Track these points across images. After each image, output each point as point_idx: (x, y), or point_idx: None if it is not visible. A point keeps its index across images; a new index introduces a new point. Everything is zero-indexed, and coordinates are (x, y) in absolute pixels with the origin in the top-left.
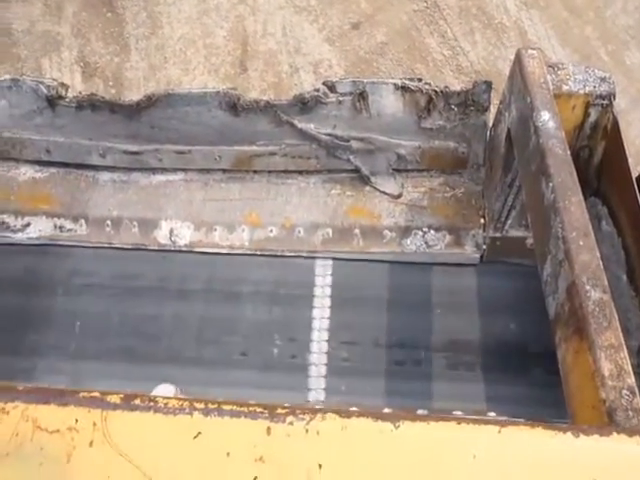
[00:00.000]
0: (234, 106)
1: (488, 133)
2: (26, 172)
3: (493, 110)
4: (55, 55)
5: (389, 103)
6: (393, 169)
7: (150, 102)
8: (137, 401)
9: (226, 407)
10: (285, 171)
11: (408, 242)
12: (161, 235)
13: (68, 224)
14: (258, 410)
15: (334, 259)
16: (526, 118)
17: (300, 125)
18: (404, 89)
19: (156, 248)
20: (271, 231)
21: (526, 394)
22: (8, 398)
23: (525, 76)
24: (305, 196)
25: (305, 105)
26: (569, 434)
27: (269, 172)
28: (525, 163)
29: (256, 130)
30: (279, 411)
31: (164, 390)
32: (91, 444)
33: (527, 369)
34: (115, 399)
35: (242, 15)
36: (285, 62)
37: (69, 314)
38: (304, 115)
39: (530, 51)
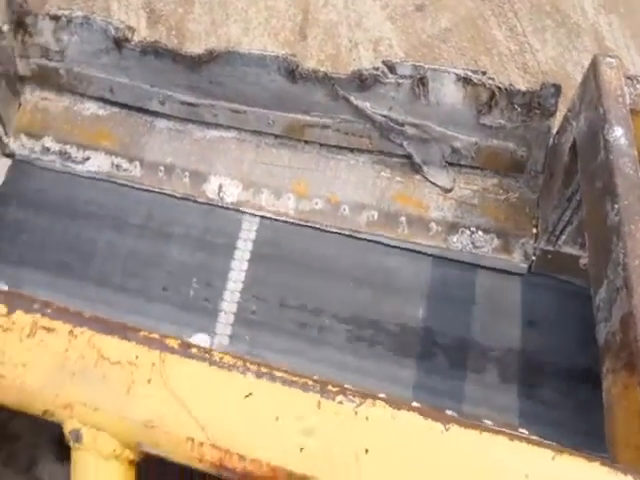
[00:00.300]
0: (292, 73)
1: (551, 140)
2: (90, 108)
3: (559, 116)
4: None
5: (449, 93)
6: (446, 162)
7: (211, 57)
8: (194, 350)
9: (278, 374)
10: (336, 146)
11: (454, 239)
12: (210, 189)
13: (124, 164)
14: (309, 383)
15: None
16: (596, 131)
17: (356, 102)
18: (466, 81)
19: (204, 201)
20: (316, 204)
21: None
22: (77, 323)
23: (600, 85)
24: (354, 174)
25: (363, 82)
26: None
27: (320, 144)
28: (589, 178)
29: (312, 100)
30: (330, 388)
31: (200, 339)
32: (149, 382)
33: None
34: (173, 343)
35: None
36: (345, 35)
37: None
38: (361, 92)
39: (608, 59)
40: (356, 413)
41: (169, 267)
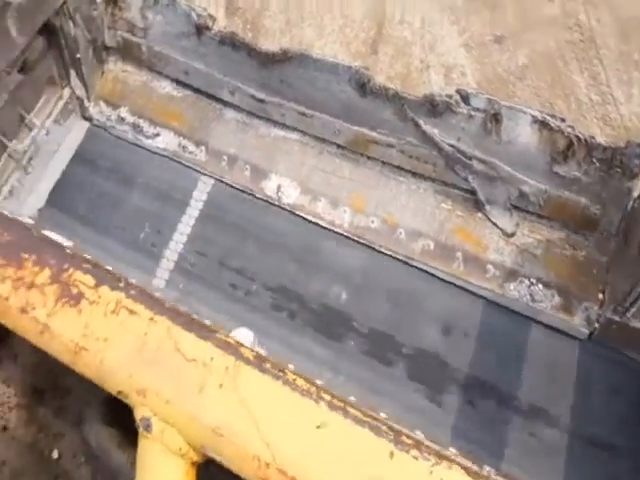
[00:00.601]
0: (363, 86)
1: (630, 203)
2: (165, 87)
3: None
4: None
5: (524, 134)
6: (511, 204)
7: (285, 57)
8: (268, 365)
9: (352, 411)
10: (399, 167)
11: (511, 287)
12: (269, 187)
13: (190, 146)
14: (383, 428)
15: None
16: None
17: (424, 126)
18: (543, 124)
19: (262, 197)
20: (372, 222)
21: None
22: (157, 310)
23: None
24: (413, 199)
25: (434, 108)
26: None
27: (383, 163)
28: None
29: (379, 117)
30: (404, 439)
31: (242, 334)
32: (221, 386)
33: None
34: (248, 354)
35: None
36: (417, 56)
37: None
38: (431, 118)
39: None
40: (431, 472)
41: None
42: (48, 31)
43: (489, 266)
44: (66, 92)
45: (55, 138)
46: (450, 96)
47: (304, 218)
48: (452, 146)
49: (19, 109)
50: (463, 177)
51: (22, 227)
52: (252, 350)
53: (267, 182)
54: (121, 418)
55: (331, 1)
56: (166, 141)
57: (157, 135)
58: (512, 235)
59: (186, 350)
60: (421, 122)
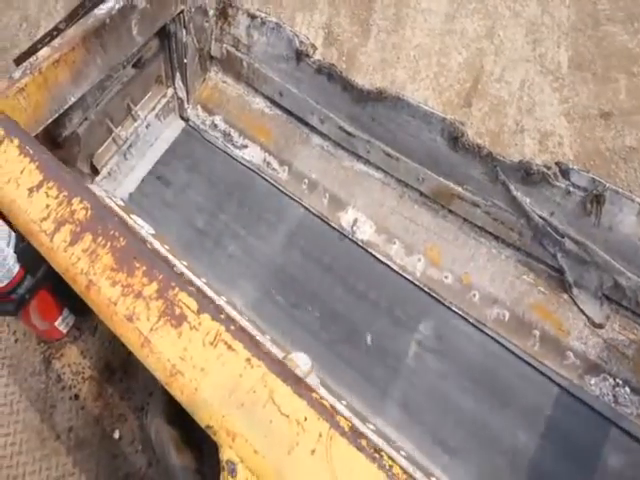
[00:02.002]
0: (455, 140)
1: None
2: (259, 103)
3: None
4: (308, 14)
5: (627, 223)
6: (603, 294)
7: (379, 96)
8: (364, 442)
9: None
10: (481, 228)
11: (592, 382)
12: (345, 219)
13: (274, 163)
14: None
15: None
16: None
17: (515, 193)
18: None
19: (336, 227)
20: (446, 277)
21: None
22: (255, 353)
23: None
24: (493, 264)
25: (529, 176)
26: None
27: (464, 220)
28: None
29: (468, 173)
30: None
31: (301, 359)
32: (313, 452)
33: None
34: (343, 423)
35: (484, 50)
36: (512, 117)
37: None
38: (524, 185)
39: None
40: None
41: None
42: (163, 35)
43: (569, 353)
44: (169, 92)
45: (154, 132)
46: (548, 167)
47: (375, 257)
48: (543, 219)
49: (128, 100)
50: (551, 253)
51: (139, 237)
52: (348, 420)
53: (344, 214)
54: (182, 420)
55: (429, 48)
56: (252, 154)
57: (245, 147)
58: (600, 326)
59: (280, 403)
60: (512, 187)
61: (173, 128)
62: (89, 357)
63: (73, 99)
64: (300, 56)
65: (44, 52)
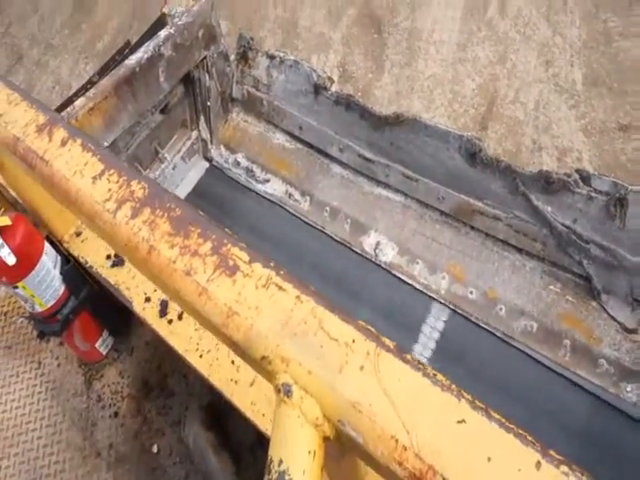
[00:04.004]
0: (473, 155)
1: None
2: (279, 138)
3: None
4: (323, 55)
5: None
6: (634, 298)
7: (397, 121)
8: (408, 357)
9: (495, 415)
10: (504, 241)
11: (628, 389)
12: (367, 242)
13: (296, 195)
14: (528, 438)
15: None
16: None
17: (537, 203)
18: None
19: (359, 251)
20: (471, 293)
21: None
22: (303, 291)
23: None
24: (518, 276)
25: (549, 185)
26: None
27: (486, 234)
28: None
29: (488, 188)
30: (553, 453)
31: None
32: (362, 368)
33: None
34: (389, 343)
35: (496, 75)
36: (529, 136)
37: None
38: (544, 195)
39: None
40: None
41: None
42: (187, 81)
43: (602, 360)
44: (194, 134)
45: (179, 173)
46: (568, 175)
47: (399, 278)
48: (567, 227)
49: (155, 144)
50: (577, 261)
51: (191, 207)
52: (392, 341)
53: (366, 238)
54: (217, 424)
55: (442, 77)
56: (274, 187)
57: (267, 181)
58: (633, 331)
59: (329, 329)
60: (533, 198)
61: (198, 168)
62: (127, 376)
63: (106, 144)
64: (318, 90)
65: (80, 102)
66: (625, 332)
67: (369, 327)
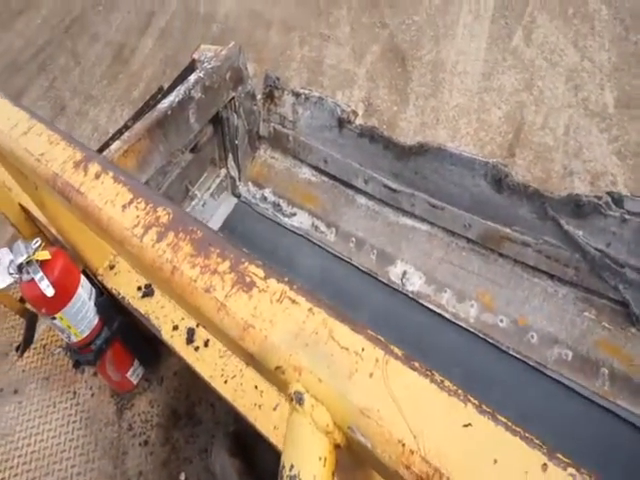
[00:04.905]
0: (499, 181)
1: None
2: (305, 173)
3: None
4: (348, 90)
5: None
6: None
7: (421, 150)
8: (417, 364)
9: (501, 418)
10: (534, 268)
11: None
12: (394, 272)
13: (322, 227)
14: (536, 441)
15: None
16: None
17: (567, 227)
18: None
19: (385, 281)
20: (501, 321)
21: None
22: (315, 303)
23: None
24: (549, 303)
25: (579, 208)
26: None
27: (515, 261)
28: None
29: (516, 214)
30: (560, 456)
31: None
32: (371, 375)
33: None
34: (397, 351)
35: (523, 102)
36: (559, 161)
37: None
38: (575, 219)
39: None
40: None
41: None
42: (216, 120)
43: None
44: (223, 172)
45: (209, 209)
46: (599, 197)
47: (427, 308)
48: (600, 251)
49: (186, 182)
50: (612, 286)
51: (211, 229)
52: (400, 348)
53: (392, 268)
54: (243, 452)
55: (468, 107)
56: (301, 220)
57: (294, 214)
58: None
59: (340, 339)
60: (563, 222)
61: (227, 205)
62: (157, 405)
63: None
64: (342, 123)
65: (115, 145)
66: None
67: (378, 336)
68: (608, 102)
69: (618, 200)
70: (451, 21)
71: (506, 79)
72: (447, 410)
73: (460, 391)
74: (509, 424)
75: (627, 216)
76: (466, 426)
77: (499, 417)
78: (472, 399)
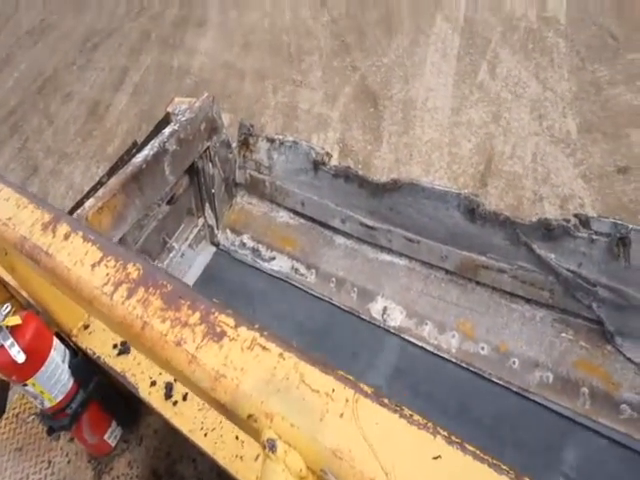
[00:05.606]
0: (472, 212)
1: None
2: (283, 216)
3: None
4: (322, 133)
5: None
6: None
7: (394, 186)
8: (386, 400)
9: (470, 448)
10: (511, 293)
11: None
12: (375, 309)
13: (302, 269)
14: (504, 467)
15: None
16: None
17: (539, 251)
18: None
19: (367, 319)
20: (482, 348)
21: None
22: (286, 349)
23: None
24: (528, 327)
25: (550, 232)
26: None
27: (493, 288)
28: None
29: (489, 242)
30: (526, 479)
31: None
32: (341, 416)
33: None
34: (367, 389)
35: (492, 134)
36: (529, 188)
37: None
38: (546, 242)
39: None
40: None
41: None
42: (192, 171)
43: (624, 406)
44: (200, 221)
45: (187, 260)
46: (568, 220)
47: (409, 341)
48: (572, 272)
49: (163, 234)
50: (586, 305)
51: (181, 281)
52: (370, 386)
53: (373, 304)
54: None
55: (439, 141)
56: (280, 264)
57: (273, 259)
58: None
59: (311, 382)
60: (535, 247)
61: (205, 254)
62: (136, 467)
63: (115, 240)
64: (317, 165)
65: (89, 202)
66: None
67: (348, 376)
68: (571, 129)
69: (585, 222)
70: (419, 60)
71: (474, 113)
72: (417, 444)
73: (429, 424)
74: (477, 453)
75: (595, 236)
76: (436, 458)
77: (468, 447)
78: (441, 431)
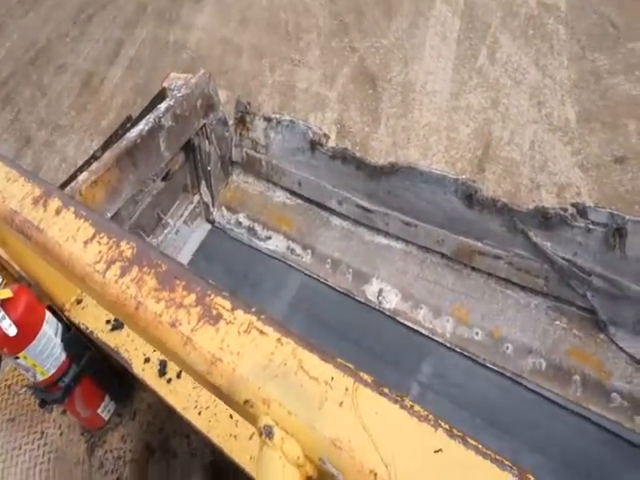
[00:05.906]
0: (470, 197)
1: None
2: (279, 196)
3: None
4: (320, 113)
5: None
6: None
7: (392, 169)
8: (386, 390)
9: (472, 442)
10: (506, 280)
11: None
12: (370, 291)
13: (298, 249)
14: (506, 463)
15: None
16: None
17: (535, 239)
18: None
19: (362, 300)
20: (477, 334)
21: None
22: (284, 334)
23: None
24: (522, 314)
25: (547, 220)
26: None
27: (488, 274)
28: None
29: (487, 228)
30: (529, 476)
31: None
32: (340, 404)
33: None
34: (367, 378)
35: (490, 119)
36: (526, 175)
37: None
38: (543, 230)
39: None
40: None
41: None
42: (188, 148)
43: (615, 395)
44: (195, 198)
45: (182, 237)
46: (565, 209)
47: (404, 324)
48: (567, 260)
49: (157, 210)
50: (581, 294)
51: (176, 261)
52: (370, 375)
53: (368, 286)
54: None
55: (438, 125)
56: (276, 244)
57: (269, 238)
58: None
59: (309, 369)
60: (531, 234)
61: (200, 231)
62: (129, 441)
63: (109, 215)
64: (314, 146)
65: (83, 176)
66: (636, 364)
67: (347, 364)
68: (570, 117)
69: (582, 211)
70: (418, 43)
71: (473, 98)
72: (418, 436)
73: (431, 416)
74: (480, 447)
75: (591, 226)
76: (437, 452)
77: (470, 441)
78: (443, 424)
